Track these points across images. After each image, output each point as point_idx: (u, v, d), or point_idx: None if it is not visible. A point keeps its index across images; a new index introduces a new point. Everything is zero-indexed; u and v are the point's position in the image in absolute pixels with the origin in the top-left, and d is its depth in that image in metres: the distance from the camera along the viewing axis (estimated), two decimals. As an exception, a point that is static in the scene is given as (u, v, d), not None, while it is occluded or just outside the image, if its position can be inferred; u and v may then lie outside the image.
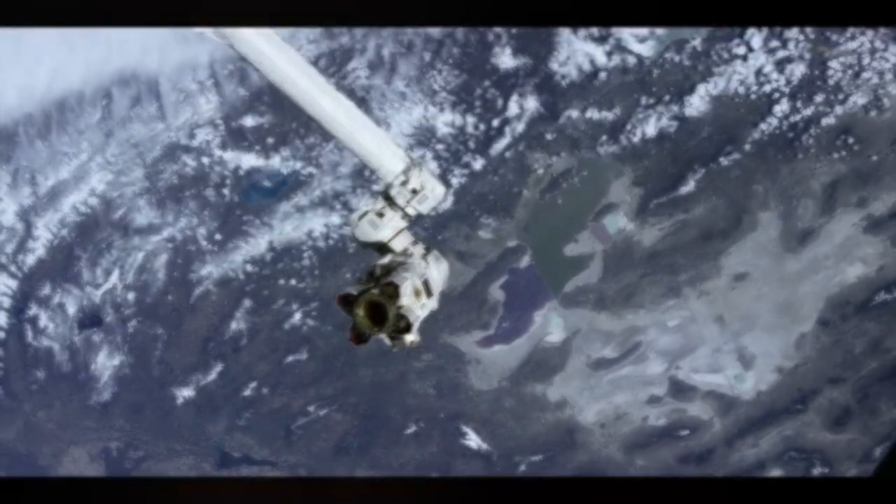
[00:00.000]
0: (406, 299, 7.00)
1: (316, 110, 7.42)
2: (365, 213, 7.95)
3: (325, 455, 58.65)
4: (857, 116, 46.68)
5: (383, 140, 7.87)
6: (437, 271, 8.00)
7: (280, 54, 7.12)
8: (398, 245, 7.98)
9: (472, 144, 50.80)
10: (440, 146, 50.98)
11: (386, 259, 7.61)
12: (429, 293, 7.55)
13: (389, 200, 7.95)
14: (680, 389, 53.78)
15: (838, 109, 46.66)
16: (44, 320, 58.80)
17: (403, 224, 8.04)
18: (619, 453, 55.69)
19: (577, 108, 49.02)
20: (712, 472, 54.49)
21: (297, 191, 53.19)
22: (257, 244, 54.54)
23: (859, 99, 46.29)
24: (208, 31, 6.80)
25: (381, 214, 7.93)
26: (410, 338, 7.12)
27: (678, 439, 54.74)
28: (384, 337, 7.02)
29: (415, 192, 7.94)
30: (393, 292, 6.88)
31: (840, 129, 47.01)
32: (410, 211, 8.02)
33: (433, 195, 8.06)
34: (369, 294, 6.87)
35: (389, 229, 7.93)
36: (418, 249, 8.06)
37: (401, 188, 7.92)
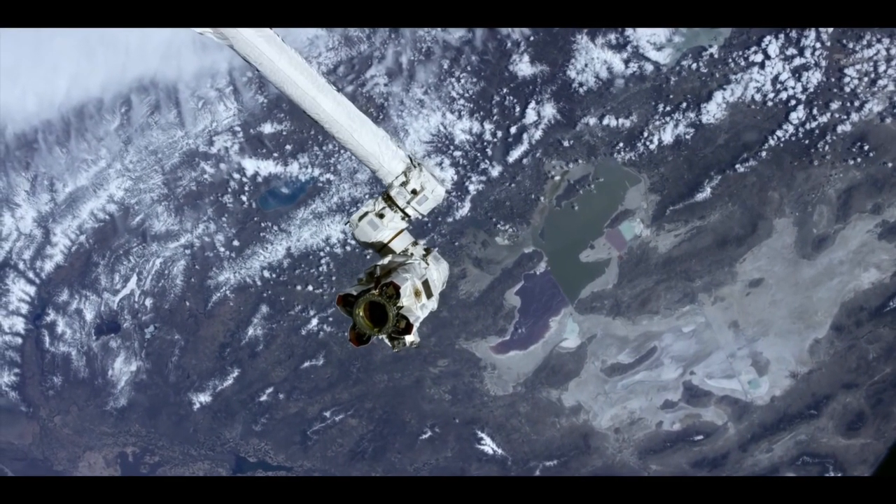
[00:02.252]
0: (406, 300, 6.95)
1: (317, 111, 7.39)
2: (365, 214, 7.92)
3: (340, 460, 58.75)
4: (873, 123, 46.89)
5: (383, 140, 7.82)
6: (437, 272, 7.95)
7: (281, 55, 7.09)
8: (398, 246, 7.96)
9: (489, 151, 51.02)
10: (458, 153, 51.20)
11: (386, 260, 7.55)
12: (429, 294, 7.52)
13: (389, 201, 7.93)
14: (694, 395, 53.91)
15: (854, 116, 46.87)
16: (61, 326, 58.98)
17: (403, 225, 8.03)
18: (633, 458, 55.78)
19: (594, 115, 49.24)
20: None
21: (315, 197, 53.44)
22: (275, 250, 54.73)
23: (875, 106, 46.49)
24: (208, 32, 6.80)
25: (381, 215, 7.89)
26: (411, 338, 7.05)
27: (692, 444, 54.83)
28: (384, 337, 6.97)
29: (415, 192, 7.91)
30: (393, 293, 6.82)
31: (856, 136, 47.21)
32: (410, 212, 7.98)
33: (433, 196, 8.02)
34: (369, 294, 6.81)
35: (389, 230, 7.92)
36: (418, 250, 8.03)
37: (401, 189, 7.89)
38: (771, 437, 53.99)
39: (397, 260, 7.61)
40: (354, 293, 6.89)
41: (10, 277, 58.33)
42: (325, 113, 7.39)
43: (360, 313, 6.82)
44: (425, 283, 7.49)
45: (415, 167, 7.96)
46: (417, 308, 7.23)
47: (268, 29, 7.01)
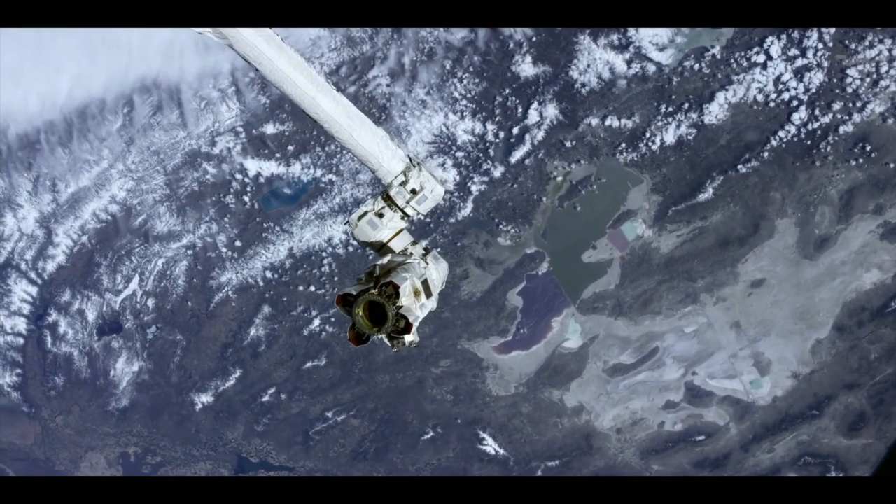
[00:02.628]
0: (405, 299, 6.98)
1: (316, 111, 7.44)
2: (364, 214, 7.99)
3: (342, 460, 58.78)
4: (875, 124, 46.84)
5: (383, 140, 7.86)
6: (437, 271, 7.99)
7: (280, 55, 7.12)
8: (397, 245, 8.03)
9: (491, 152, 51.01)
10: (460, 154, 51.19)
11: (385, 259, 7.60)
12: (428, 293, 7.56)
13: (389, 201, 7.99)
14: (696, 395, 53.90)
15: (856, 117, 46.81)
16: (63, 326, 59.01)
17: (403, 224, 8.09)
18: (635, 458, 55.78)
19: (596, 115, 49.22)
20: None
21: (317, 198, 53.44)
22: (277, 251, 54.74)
23: (877, 107, 46.43)
24: (208, 32, 6.83)
25: (380, 215, 7.97)
26: (410, 338, 7.06)
27: (694, 444, 54.83)
28: (384, 337, 6.98)
29: (414, 192, 7.96)
30: (392, 292, 6.83)
31: (857, 136, 47.17)
32: (410, 211, 8.04)
33: (433, 195, 8.07)
34: (368, 294, 6.82)
35: (389, 229, 7.99)
36: (417, 249, 8.07)
37: (400, 188, 7.94)
38: (773, 438, 53.97)
39: (397, 259, 7.66)
40: (354, 293, 6.90)
41: (12, 278, 58.40)
42: (325, 112, 7.45)
43: (360, 313, 6.83)
44: (425, 283, 7.53)
45: (414, 167, 8.00)
46: (417, 308, 7.26)
47: (267, 29, 7.04)
